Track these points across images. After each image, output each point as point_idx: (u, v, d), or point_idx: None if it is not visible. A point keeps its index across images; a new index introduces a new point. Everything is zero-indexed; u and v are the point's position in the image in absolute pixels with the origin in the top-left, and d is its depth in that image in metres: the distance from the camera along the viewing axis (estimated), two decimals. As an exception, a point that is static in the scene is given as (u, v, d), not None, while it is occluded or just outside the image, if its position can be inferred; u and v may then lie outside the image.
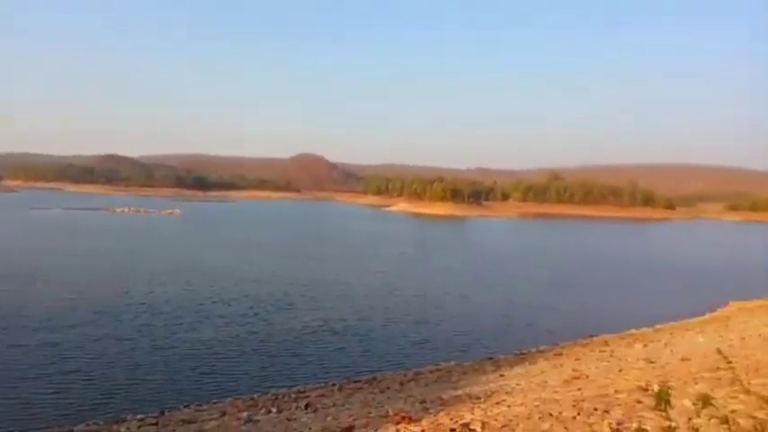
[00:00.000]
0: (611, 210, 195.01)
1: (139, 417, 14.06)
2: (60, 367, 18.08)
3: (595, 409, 7.62)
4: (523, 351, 21.52)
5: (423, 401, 12.32)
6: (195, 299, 29.38)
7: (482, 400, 11.22)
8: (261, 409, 14.24)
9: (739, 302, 32.41)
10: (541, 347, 22.05)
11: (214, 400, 15.64)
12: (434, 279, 40.81)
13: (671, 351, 17.10)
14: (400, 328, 25.52)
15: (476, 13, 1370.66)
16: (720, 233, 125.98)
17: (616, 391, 9.24)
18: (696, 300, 33.58)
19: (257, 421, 12.87)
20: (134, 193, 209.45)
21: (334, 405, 13.96)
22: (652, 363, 14.62)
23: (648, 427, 5.06)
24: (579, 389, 10.93)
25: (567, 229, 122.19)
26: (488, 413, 8.68)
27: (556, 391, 11.01)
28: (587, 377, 13.36)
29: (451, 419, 8.43)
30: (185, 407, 15.13)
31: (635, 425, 6.26)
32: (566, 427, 6.78)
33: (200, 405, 15.23)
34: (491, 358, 20.48)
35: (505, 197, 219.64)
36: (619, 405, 7.85)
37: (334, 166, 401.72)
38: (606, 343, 21.93)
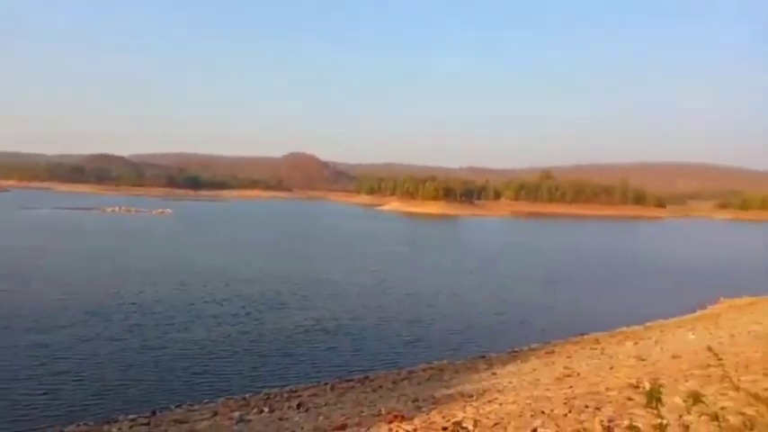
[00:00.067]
0: (602, 208, 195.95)
1: (131, 417, 13.99)
2: (51, 368, 17.95)
3: (587, 407, 7.65)
4: (515, 349, 21.60)
5: (415, 400, 12.33)
6: (187, 298, 29.25)
7: (474, 398, 11.24)
8: (253, 408, 14.20)
9: (729, 300, 32.68)
10: (533, 346, 22.13)
11: (206, 400, 15.59)
12: (427, 278, 40.84)
13: (661, 348, 17.21)
14: (393, 327, 25.52)
15: (475, 13, 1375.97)
16: (710, 231, 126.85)
17: (607, 389, 9.27)
18: (686, 297, 33.81)
19: (249, 421, 12.84)
20: (124, 192, 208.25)
21: (326, 404, 13.95)
22: (643, 360, 14.70)
23: (639, 425, 5.09)
24: (571, 386, 10.97)
25: (558, 228, 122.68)
26: (480, 411, 8.69)
27: (547, 389, 11.04)
28: (579, 375, 13.42)
29: (444, 418, 8.43)
30: (177, 407, 15.07)
31: (626, 422, 6.29)
32: (557, 425, 6.80)
33: (191, 405, 15.17)
34: (483, 357, 20.54)
35: (498, 196, 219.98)
36: (610, 402, 7.88)
37: (325, 165, 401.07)
38: (597, 341, 22.04)
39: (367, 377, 17.98)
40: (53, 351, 19.60)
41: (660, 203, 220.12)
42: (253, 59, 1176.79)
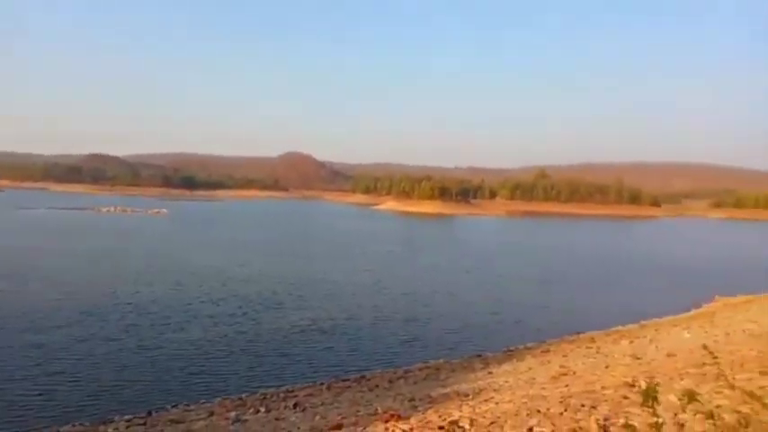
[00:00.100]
0: (597, 207, 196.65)
1: (127, 417, 13.96)
2: (46, 368, 17.88)
3: (582, 406, 7.67)
4: (511, 348, 21.64)
5: (411, 399, 12.34)
6: (183, 298, 29.19)
7: (470, 397, 11.25)
8: (249, 408, 14.19)
9: (724, 298, 32.80)
10: (529, 344, 22.17)
11: (202, 400, 15.57)
12: (423, 277, 40.86)
13: (656, 347, 17.27)
14: (389, 327, 25.53)
15: (475, 13, 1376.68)
16: (704, 230, 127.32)
17: (603, 388, 9.30)
18: (681, 296, 33.95)
19: (246, 421, 12.82)
20: (120, 192, 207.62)
21: (322, 404, 13.95)
22: (638, 359, 14.74)
23: (635, 423, 5.11)
24: (566, 385, 11.00)
25: (553, 227, 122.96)
26: (477, 410, 8.71)
27: (543, 388, 11.07)
28: (574, 374, 13.45)
29: (440, 417, 8.44)
30: (173, 407, 15.04)
31: (622, 420, 6.31)
32: (553, 424, 6.82)
33: (188, 405, 15.14)
34: (479, 356, 20.57)
35: (493, 195, 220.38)
36: (605, 401, 7.91)
37: (322, 165, 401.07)
38: (593, 339, 22.11)
39: (363, 376, 17.98)
40: (49, 351, 19.52)
41: (655, 203, 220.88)
42: (253, 59, 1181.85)
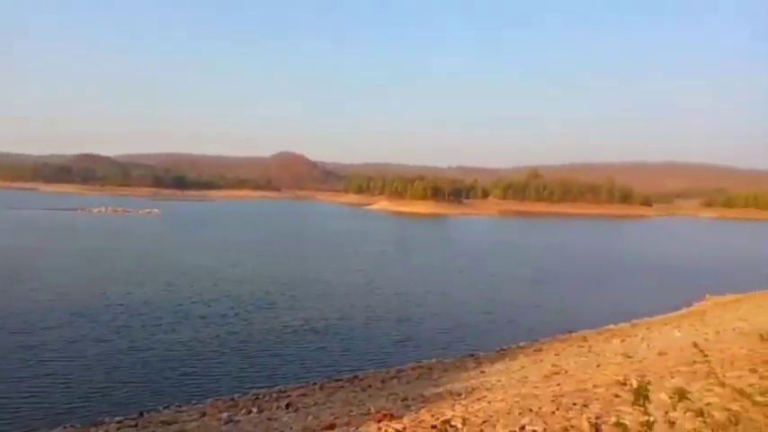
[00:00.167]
0: (589, 207, 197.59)
1: (118, 419, 13.89)
2: (36, 370, 17.75)
3: (574, 404, 7.69)
4: (504, 347, 21.70)
5: (404, 399, 12.35)
6: (174, 299, 29.05)
7: (463, 396, 11.27)
8: (241, 409, 14.14)
9: (715, 297, 33.03)
10: (521, 343, 22.24)
11: (194, 401, 15.51)
12: (415, 277, 40.88)
13: (648, 345, 17.35)
14: (381, 327, 25.53)
15: (475, 13, 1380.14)
16: (695, 230, 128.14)
17: (594, 386, 9.33)
18: (672, 295, 34.14)
19: (238, 421, 12.78)
20: (110, 192, 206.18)
21: (315, 404, 13.92)
22: (629, 357, 14.81)
23: (627, 421, 5.13)
24: (558, 384, 11.04)
25: (546, 227, 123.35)
26: (469, 409, 8.72)
27: (535, 387, 11.10)
28: (566, 372, 13.50)
29: (433, 416, 8.44)
30: (165, 408, 14.98)
31: (613, 419, 6.33)
32: (545, 422, 6.83)
33: (179, 406, 15.08)
34: (472, 355, 20.61)
35: (486, 195, 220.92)
36: (597, 399, 7.94)
37: (315, 165, 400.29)
38: (585, 338, 22.20)
39: (356, 376, 17.97)
40: (39, 353, 19.39)
41: (646, 202, 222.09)
42: (253, 59, 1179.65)
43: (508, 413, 7.78)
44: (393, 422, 8.53)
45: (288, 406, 13.83)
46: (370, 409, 11.08)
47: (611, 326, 25.31)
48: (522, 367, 16.36)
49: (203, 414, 13.90)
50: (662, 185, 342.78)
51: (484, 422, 7.39)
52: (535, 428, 6.67)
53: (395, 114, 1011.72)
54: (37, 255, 43.38)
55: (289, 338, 22.80)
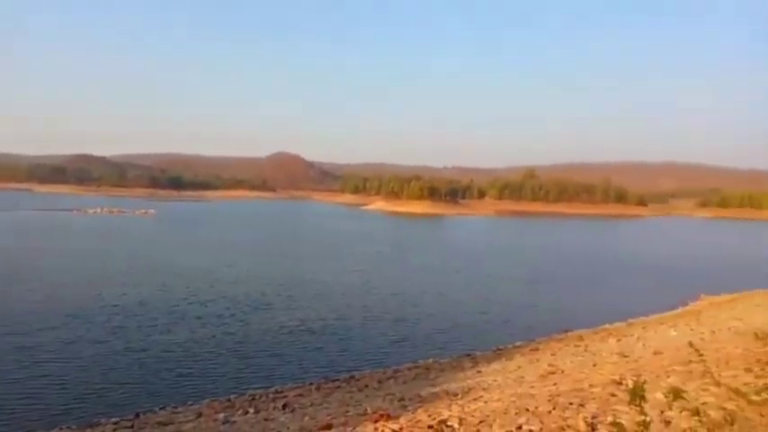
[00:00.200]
0: (584, 207, 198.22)
1: (114, 420, 13.84)
2: (32, 371, 17.67)
3: (570, 404, 7.71)
4: (500, 347, 21.71)
5: (401, 399, 12.35)
6: (170, 300, 28.98)
7: (460, 396, 11.28)
8: (238, 410, 14.12)
9: (710, 297, 33.15)
10: (518, 343, 22.26)
11: (190, 402, 15.45)
12: (412, 277, 40.89)
13: (644, 345, 17.41)
14: (378, 327, 25.52)
15: (475, 13, 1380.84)
16: (689, 230, 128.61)
17: (591, 386, 9.36)
18: (668, 295, 34.24)
19: (234, 422, 12.76)
20: (105, 193, 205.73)
21: (311, 404, 13.91)
22: (625, 357, 14.85)
23: (623, 421, 5.15)
24: (555, 383, 11.06)
25: (542, 227, 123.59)
26: (466, 409, 8.73)
27: (532, 386, 11.12)
28: (563, 372, 13.53)
29: (429, 416, 8.45)
30: (161, 409, 14.92)
31: (609, 418, 6.35)
32: (541, 422, 6.85)
33: (176, 407, 15.03)
34: (469, 355, 20.62)
35: (482, 195, 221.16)
36: (593, 399, 7.96)
37: (311, 165, 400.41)
38: (581, 338, 22.25)
39: (353, 377, 17.96)
40: (34, 354, 19.30)
41: (641, 202, 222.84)
42: (253, 59, 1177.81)
43: (505, 413, 7.79)
44: (390, 422, 8.53)
45: (284, 406, 13.82)
46: (366, 410, 11.08)
47: (608, 325, 25.37)
48: (519, 367, 16.38)
49: (200, 415, 13.87)
50: (661, 185, 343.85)
51: (480, 422, 7.40)
52: (532, 428, 6.68)
53: (394, 114, 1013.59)
54: (31, 256, 43.21)
55: (285, 339, 22.77)
